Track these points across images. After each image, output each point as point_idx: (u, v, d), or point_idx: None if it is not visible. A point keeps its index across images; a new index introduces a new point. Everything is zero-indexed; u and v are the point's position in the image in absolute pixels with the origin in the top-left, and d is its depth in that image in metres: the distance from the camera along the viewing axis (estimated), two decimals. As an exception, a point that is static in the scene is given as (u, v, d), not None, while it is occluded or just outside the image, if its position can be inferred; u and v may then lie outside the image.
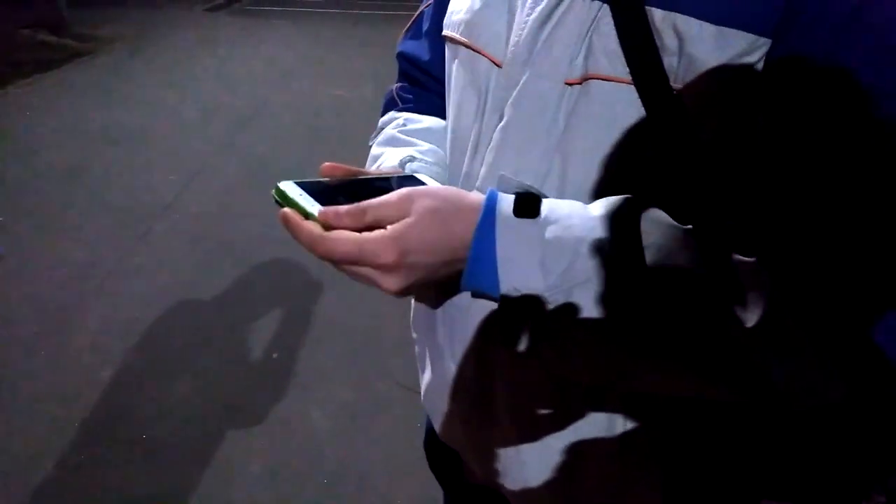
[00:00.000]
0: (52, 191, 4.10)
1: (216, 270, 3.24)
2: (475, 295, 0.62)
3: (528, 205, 0.57)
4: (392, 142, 0.85)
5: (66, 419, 2.29)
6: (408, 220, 0.56)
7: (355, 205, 0.57)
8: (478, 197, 0.59)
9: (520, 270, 0.57)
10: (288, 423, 2.33)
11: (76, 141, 4.93)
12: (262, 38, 8.73)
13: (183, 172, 4.40)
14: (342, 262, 0.56)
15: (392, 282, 0.57)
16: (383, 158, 0.81)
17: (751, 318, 0.53)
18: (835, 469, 0.68)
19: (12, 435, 2.23)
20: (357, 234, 0.56)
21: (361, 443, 2.24)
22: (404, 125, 0.88)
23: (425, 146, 0.83)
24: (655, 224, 0.56)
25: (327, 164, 0.66)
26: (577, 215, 0.57)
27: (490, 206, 0.58)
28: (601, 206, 0.58)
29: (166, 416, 2.34)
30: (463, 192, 0.61)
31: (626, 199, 0.58)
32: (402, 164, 0.78)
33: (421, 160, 0.79)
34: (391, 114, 0.92)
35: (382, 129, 0.91)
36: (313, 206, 0.58)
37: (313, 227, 0.57)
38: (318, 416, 2.36)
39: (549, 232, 0.56)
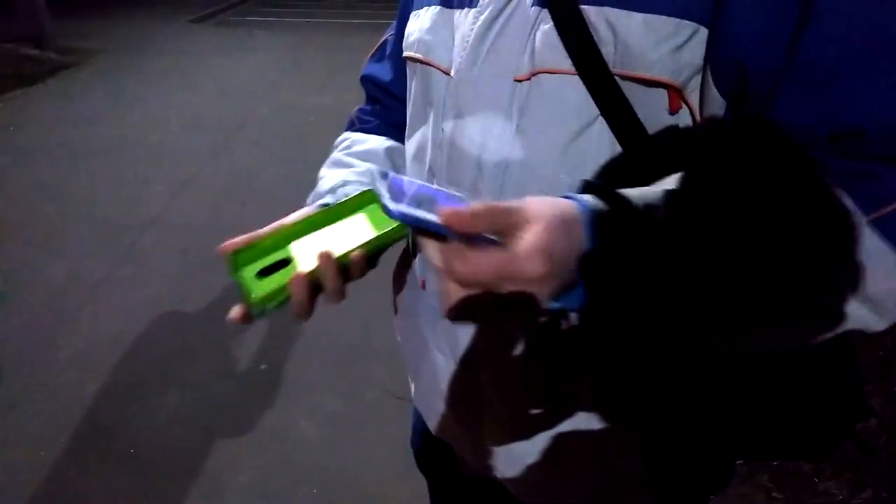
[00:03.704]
0: (38, 204, 4.08)
1: (203, 282, 3.24)
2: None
3: (606, 195, 0.54)
4: (335, 164, 0.93)
5: (52, 433, 2.28)
6: (542, 226, 0.50)
7: (484, 206, 0.51)
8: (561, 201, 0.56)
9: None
10: (277, 433, 2.33)
11: (60, 154, 4.91)
12: (247, 49, 8.74)
13: (169, 184, 4.39)
14: (489, 279, 0.50)
15: (541, 289, 0.51)
16: (324, 182, 0.88)
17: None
18: (803, 424, 0.73)
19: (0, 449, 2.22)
20: (502, 251, 0.50)
21: (351, 452, 2.25)
22: (349, 147, 0.95)
23: (363, 167, 0.90)
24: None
25: (228, 244, 0.70)
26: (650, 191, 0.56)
27: (589, 216, 0.53)
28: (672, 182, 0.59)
29: (154, 428, 2.33)
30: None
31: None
32: (334, 189, 0.84)
33: (355, 182, 0.85)
34: (345, 134, 1.00)
35: (338, 145, 0.98)
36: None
37: (450, 245, 0.51)
38: (307, 426, 2.36)
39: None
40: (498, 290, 0.50)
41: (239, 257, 0.70)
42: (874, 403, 2.22)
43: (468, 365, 0.82)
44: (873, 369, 2.33)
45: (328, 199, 0.84)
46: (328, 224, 0.73)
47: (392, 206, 0.52)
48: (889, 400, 2.23)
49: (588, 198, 0.53)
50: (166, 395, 2.50)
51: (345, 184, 0.85)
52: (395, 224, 0.68)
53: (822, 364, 0.73)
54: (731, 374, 0.72)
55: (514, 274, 0.49)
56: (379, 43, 1.00)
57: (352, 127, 1.01)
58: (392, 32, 0.96)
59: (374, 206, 0.74)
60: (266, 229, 0.72)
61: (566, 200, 0.53)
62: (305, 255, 0.69)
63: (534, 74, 0.66)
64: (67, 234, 3.71)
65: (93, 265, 3.39)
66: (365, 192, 0.76)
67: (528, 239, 0.49)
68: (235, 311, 0.67)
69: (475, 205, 0.50)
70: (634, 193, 0.54)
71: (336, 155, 0.95)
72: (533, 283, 0.50)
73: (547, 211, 0.51)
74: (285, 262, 0.70)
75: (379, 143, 0.96)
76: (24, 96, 6.44)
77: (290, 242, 0.72)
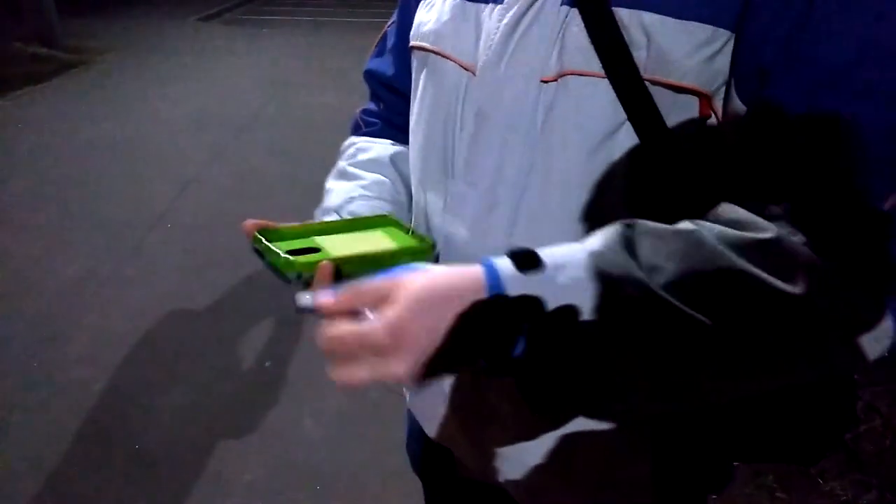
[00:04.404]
0: (45, 203, 4.10)
1: (209, 281, 3.25)
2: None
3: (525, 259, 0.53)
4: (341, 176, 0.92)
5: (59, 431, 2.30)
6: (400, 303, 0.52)
7: (353, 289, 0.55)
8: (469, 269, 0.54)
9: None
10: (281, 431, 2.34)
11: (68, 152, 4.93)
12: (255, 48, 8.76)
13: (175, 183, 4.41)
14: (343, 349, 0.52)
15: (396, 365, 0.52)
16: (331, 197, 0.88)
17: (798, 287, 0.52)
18: (797, 428, 0.72)
19: (6, 448, 2.24)
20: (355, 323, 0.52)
21: (354, 449, 2.25)
22: (354, 156, 0.94)
23: (369, 179, 0.89)
24: (659, 238, 0.55)
25: (249, 222, 0.71)
26: (580, 253, 0.54)
27: (492, 272, 0.53)
28: (598, 241, 0.55)
29: (159, 426, 2.34)
30: (453, 269, 0.55)
31: (621, 224, 0.56)
32: (341, 207, 0.84)
33: (361, 196, 0.85)
34: (350, 139, 0.98)
35: (343, 152, 0.97)
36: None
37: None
38: (311, 424, 2.37)
39: (562, 274, 0.52)
40: (359, 360, 0.52)
41: (268, 233, 0.70)
42: (881, 404, 2.20)
43: (475, 379, 0.80)
44: (881, 370, 2.31)
45: (335, 217, 0.84)
46: (347, 231, 0.76)
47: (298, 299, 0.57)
48: (896, 401, 2.22)
49: (499, 263, 0.53)
50: (171, 393, 2.51)
51: (351, 200, 0.85)
52: (414, 242, 0.73)
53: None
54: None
55: (362, 344, 0.51)
56: (380, 36, 0.97)
57: (357, 130, 0.99)
58: (393, 23, 0.93)
59: (390, 228, 0.79)
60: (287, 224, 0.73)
61: (471, 270, 0.53)
62: (335, 247, 0.70)
63: (561, 76, 0.65)
64: (73, 233, 3.73)
65: (99, 264, 3.40)
66: (381, 216, 0.80)
67: (383, 314, 0.51)
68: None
69: (346, 288, 0.54)
70: (549, 254, 0.54)
71: (342, 165, 0.94)
72: (385, 354, 0.51)
73: (417, 287, 0.52)
74: (313, 250, 0.70)
75: (384, 149, 0.94)
76: (31, 95, 6.48)
77: (313, 236, 0.73)
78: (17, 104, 6.18)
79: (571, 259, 0.53)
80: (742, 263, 0.52)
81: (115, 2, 11.43)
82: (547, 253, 0.53)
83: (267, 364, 2.68)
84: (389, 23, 0.95)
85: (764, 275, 0.52)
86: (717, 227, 0.55)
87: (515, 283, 0.52)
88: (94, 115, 5.83)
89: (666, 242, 0.54)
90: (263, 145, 5.17)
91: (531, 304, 0.52)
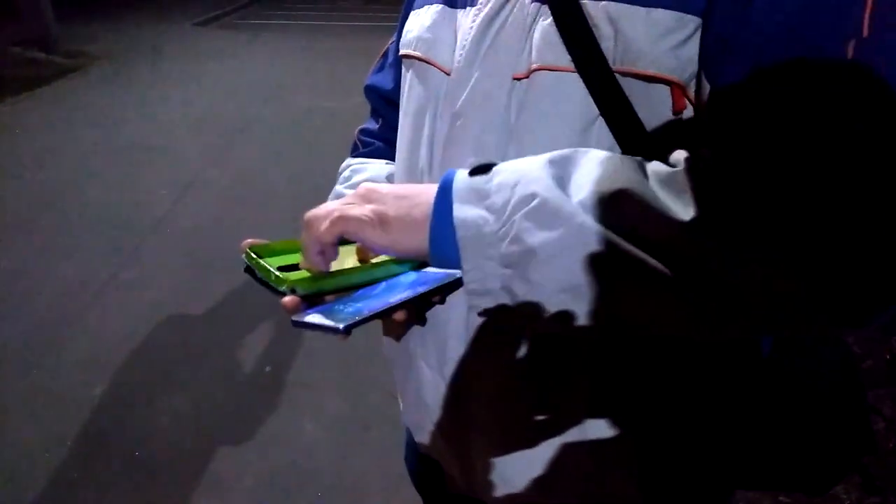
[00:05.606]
0: (44, 207, 4.09)
1: (208, 284, 3.24)
2: (439, 263, 0.60)
3: (482, 167, 0.58)
4: (338, 199, 0.92)
5: (58, 436, 2.28)
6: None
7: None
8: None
9: (473, 213, 0.56)
10: (281, 436, 2.33)
11: (66, 157, 4.93)
12: (252, 52, 8.77)
13: (174, 187, 4.40)
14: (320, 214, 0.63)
15: (358, 209, 0.61)
16: None
17: (686, 213, 0.51)
18: (806, 454, 0.71)
19: (5, 452, 2.22)
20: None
21: (354, 454, 2.24)
22: (350, 178, 0.95)
23: None
24: (597, 163, 0.56)
25: (246, 242, 0.73)
26: (525, 161, 0.58)
27: (448, 175, 0.59)
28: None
29: (159, 431, 2.33)
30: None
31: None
32: None
33: None
34: (347, 161, 1.00)
35: (340, 175, 0.99)
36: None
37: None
38: (311, 429, 2.36)
39: (497, 177, 0.57)
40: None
41: (259, 249, 0.72)
42: (883, 407, 2.20)
43: (455, 377, 0.79)
44: (882, 373, 2.31)
45: None
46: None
47: (294, 316, 0.64)
48: (898, 403, 2.21)
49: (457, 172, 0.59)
50: (171, 397, 2.50)
51: None
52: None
53: (827, 395, 0.70)
54: (732, 399, 0.71)
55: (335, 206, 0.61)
56: (381, 52, 0.99)
57: (354, 151, 1.01)
58: (394, 41, 0.94)
59: None
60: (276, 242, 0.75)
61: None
62: None
63: (532, 72, 0.64)
64: (73, 237, 3.72)
65: (98, 267, 3.39)
66: None
67: None
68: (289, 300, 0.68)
69: None
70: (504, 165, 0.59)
71: (338, 188, 0.94)
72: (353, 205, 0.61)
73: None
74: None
75: (379, 169, 0.94)
76: (30, 99, 6.48)
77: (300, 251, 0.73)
78: (15, 109, 6.18)
79: (513, 166, 0.58)
80: (643, 182, 0.53)
81: (112, 6, 11.45)
82: (500, 166, 0.59)
83: (267, 369, 2.67)
84: (392, 39, 0.95)
85: (661, 197, 0.52)
86: (655, 163, 0.56)
87: (462, 182, 0.58)
88: (93, 119, 5.83)
89: (599, 166, 0.55)
90: (262, 148, 5.17)
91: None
